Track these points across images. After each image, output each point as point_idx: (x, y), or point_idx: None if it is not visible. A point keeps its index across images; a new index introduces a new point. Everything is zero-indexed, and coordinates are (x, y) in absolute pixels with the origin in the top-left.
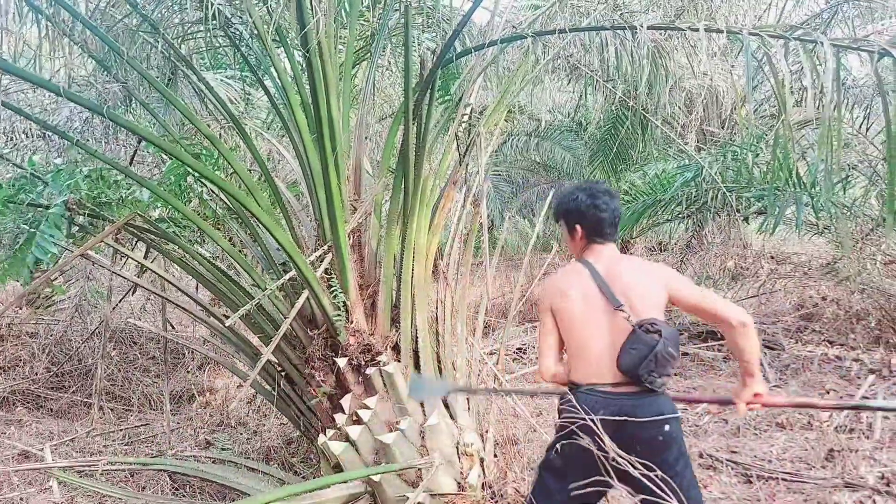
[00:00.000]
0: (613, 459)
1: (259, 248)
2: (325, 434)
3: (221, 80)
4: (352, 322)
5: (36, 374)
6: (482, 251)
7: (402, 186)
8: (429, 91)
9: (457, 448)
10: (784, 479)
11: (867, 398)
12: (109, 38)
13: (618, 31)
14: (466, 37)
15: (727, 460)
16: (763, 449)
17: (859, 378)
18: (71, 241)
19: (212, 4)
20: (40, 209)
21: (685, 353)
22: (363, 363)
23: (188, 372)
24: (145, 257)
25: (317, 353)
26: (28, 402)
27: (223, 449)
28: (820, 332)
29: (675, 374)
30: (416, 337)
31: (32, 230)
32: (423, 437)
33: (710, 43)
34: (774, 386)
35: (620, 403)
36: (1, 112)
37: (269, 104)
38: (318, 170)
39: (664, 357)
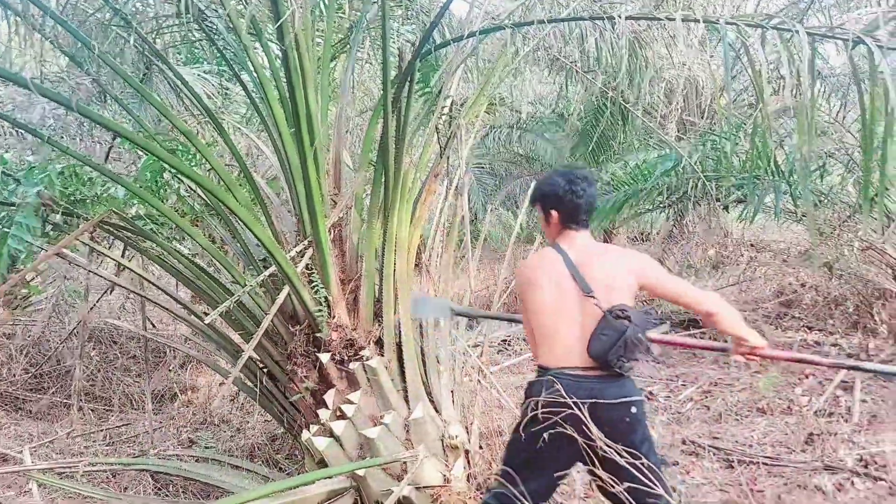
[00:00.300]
0: (582, 439)
1: (239, 245)
2: (308, 430)
3: (198, 75)
4: (334, 317)
5: (14, 375)
6: (465, 244)
7: (383, 180)
8: (408, 83)
9: (442, 441)
10: (765, 464)
11: (854, 367)
12: (81, 33)
13: (596, 22)
14: (446, 28)
15: (709, 446)
16: (744, 434)
17: None
18: (45, 240)
19: None
20: (13, 208)
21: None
22: (346, 358)
23: (170, 370)
24: (123, 256)
25: (299, 349)
26: (6, 405)
27: (206, 447)
28: (799, 318)
29: (658, 362)
30: (400, 331)
31: (6, 229)
32: (407, 431)
33: (688, 33)
34: (756, 372)
35: (589, 386)
36: None
37: (247, 99)
38: (296, 164)
39: (633, 342)
